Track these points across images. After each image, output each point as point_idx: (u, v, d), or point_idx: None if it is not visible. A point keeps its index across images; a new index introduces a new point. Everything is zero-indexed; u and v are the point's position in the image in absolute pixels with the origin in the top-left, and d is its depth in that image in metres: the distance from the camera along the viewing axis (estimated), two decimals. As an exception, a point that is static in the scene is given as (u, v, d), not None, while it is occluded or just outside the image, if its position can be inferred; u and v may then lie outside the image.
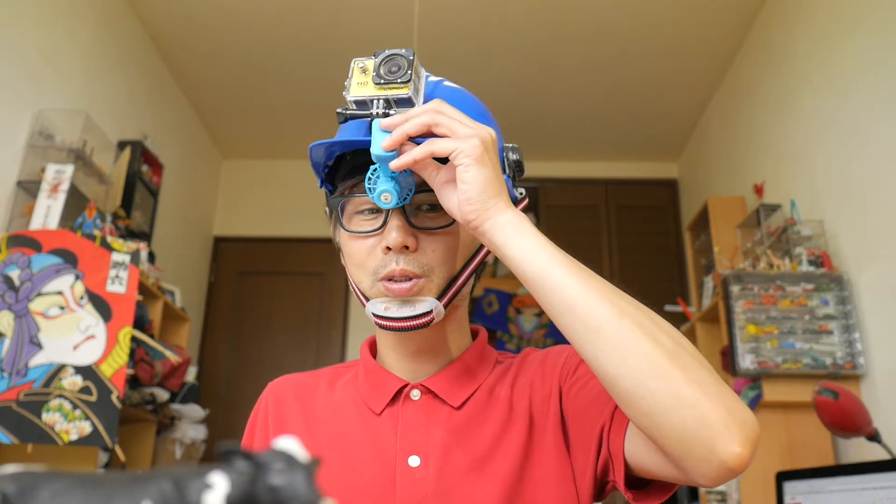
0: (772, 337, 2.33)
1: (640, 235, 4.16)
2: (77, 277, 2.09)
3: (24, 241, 2.10)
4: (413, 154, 0.63)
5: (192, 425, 2.87)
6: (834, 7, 2.50)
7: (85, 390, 1.98)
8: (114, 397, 1.99)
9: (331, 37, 3.29)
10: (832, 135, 2.48)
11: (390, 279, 0.70)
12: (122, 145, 2.94)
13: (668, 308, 3.27)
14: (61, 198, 2.27)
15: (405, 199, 0.68)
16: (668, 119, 3.96)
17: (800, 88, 2.73)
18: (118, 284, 2.13)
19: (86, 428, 1.95)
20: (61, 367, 1.99)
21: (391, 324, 0.71)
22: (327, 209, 0.80)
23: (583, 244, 4.03)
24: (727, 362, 2.47)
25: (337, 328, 4.17)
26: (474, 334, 0.84)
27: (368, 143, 0.66)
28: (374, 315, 0.71)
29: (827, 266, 2.37)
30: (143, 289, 2.46)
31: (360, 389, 0.79)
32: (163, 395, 2.59)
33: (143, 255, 2.49)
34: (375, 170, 0.67)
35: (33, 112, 2.42)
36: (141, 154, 3.02)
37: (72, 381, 1.98)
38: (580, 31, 3.24)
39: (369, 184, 0.67)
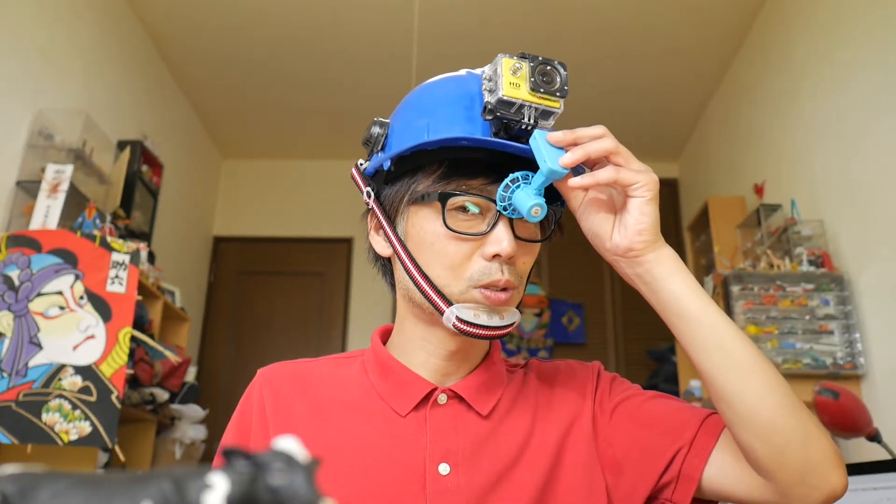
0: (772, 337, 2.33)
1: (640, 235, 4.15)
2: (77, 277, 2.09)
3: (24, 241, 2.10)
4: (597, 177, 0.64)
5: (191, 425, 2.87)
6: (834, 7, 2.50)
7: (85, 390, 1.98)
8: (113, 397, 1.99)
9: (331, 37, 3.29)
10: (832, 135, 2.48)
11: (487, 287, 0.68)
12: (121, 145, 2.94)
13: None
14: (61, 198, 2.27)
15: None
16: (669, 119, 3.96)
17: (800, 88, 2.73)
18: (118, 284, 2.13)
19: (85, 428, 1.95)
20: (61, 367, 1.99)
21: (476, 331, 0.68)
22: (367, 193, 0.76)
23: (583, 245, 4.03)
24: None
25: (337, 328, 4.17)
26: None
27: (526, 150, 0.66)
28: (460, 320, 0.68)
29: (827, 266, 2.37)
30: (142, 289, 2.46)
31: (376, 387, 0.75)
32: (163, 395, 2.59)
33: (143, 255, 2.49)
34: (517, 180, 0.66)
35: (33, 112, 2.42)
36: (141, 154, 3.02)
37: (71, 381, 1.98)
38: (580, 31, 3.24)
39: (506, 192, 0.66)
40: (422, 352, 0.75)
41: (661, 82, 3.61)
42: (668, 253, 0.67)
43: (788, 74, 2.84)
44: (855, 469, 1.34)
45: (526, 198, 0.65)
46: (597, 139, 0.65)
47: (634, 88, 3.67)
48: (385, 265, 0.79)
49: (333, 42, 3.33)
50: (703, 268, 3.38)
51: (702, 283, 3.18)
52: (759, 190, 2.99)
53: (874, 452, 1.72)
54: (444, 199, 0.68)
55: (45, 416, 1.93)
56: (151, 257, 2.87)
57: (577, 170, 0.67)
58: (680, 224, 4.19)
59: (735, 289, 2.43)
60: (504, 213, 0.67)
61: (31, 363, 1.97)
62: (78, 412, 1.95)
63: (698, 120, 3.94)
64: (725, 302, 2.45)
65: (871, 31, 2.25)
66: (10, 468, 0.23)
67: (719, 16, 3.10)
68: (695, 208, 3.75)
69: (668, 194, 4.33)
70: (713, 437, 0.69)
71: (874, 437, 1.56)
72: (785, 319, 2.35)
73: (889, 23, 2.16)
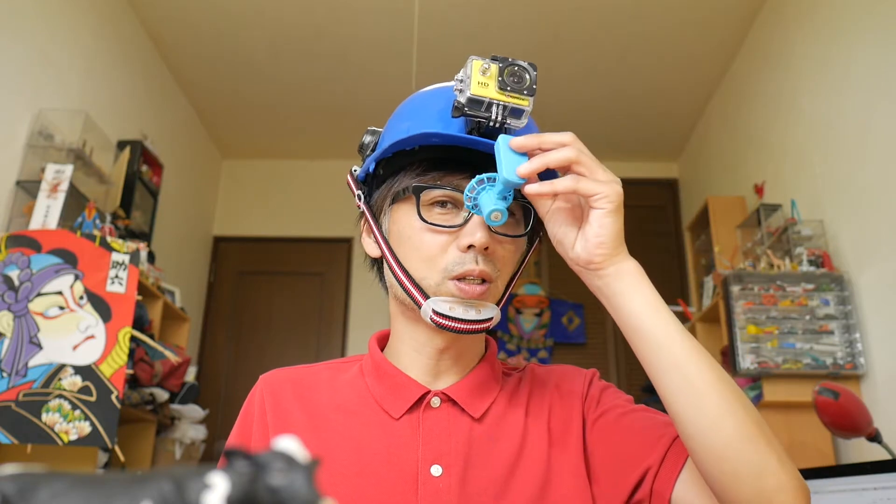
0: (772, 337, 2.33)
1: (640, 235, 4.15)
2: (77, 277, 2.09)
3: (24, 241, 2.10)
4: (556, 186, 0.63)
5: (191, 425, 2.87)
6: (834, 7, 2.50)
7: (84, 390, 1.98)
8: (113, 397, 1.99)
9: (331, 37, 3.29)
10: (832, 135, 2.48)
11: (463, 279, 0.69)
12: (121, 145, 2.94)
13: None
14: (61, 198, 2.27)
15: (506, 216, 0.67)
16: (669, 119, 3.96)
17: (800, 88, 2.73)
18: (118, 284, 2.13)
19: (85, 428, 1.95)
20: (61, 367, 1.99)
21: (452, 324, 0.69)
22: (358, 196, 0.78)
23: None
24: (727, 363, 2.47)
25: (337, 328, 4.17)
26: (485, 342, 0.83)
27: (488, 145, 0.67)
28: (436, 313, 0.69)
29: (827, 266, 2.37)
30: (142, 289, 2.45)
31: (372, 390, 0.76)
32: (162, 395, 2.58)
33: (143, 255, 2.49)
34: (482, 182, 0.66)
35: (33, 112, 2.42)
36: (141, 154, 3.02)
37: (71, 381, 1.98)
38: (580, 33, 3.24)
39: (471, 193, 0.67)
40: (412, 351, 0.76)
41: (662, 83, 3.61)
42: (629, 267, 0.64)
43: (788, 74, 2.84)
44: (855, 469, 1.34)
45: (488, 201, 0.65)
46: (561, 147, 0.64)
47: (635, 89, 3.67)
48: (379, 267, 0.82)
49: (333, 43, 3.33)
50: (703, 268, 3.38)
51: (702, 283, 3.18)
52: (759, 190, 2.99)
53: (874, 452, 1.73)
54: (418, 192, 0.71)
55: (44, 416, 1.93)
56: (151, 257, 2.87)
57: (550, 173, 0.67)
58: (680, 224, 4.19)
59: (735, 289, 2.42)
60: (472, 210, 0.68)
61: (31, 363, 1.97)
62: (78, 412, 1.95)
63: (698, 120, 3.94)
64: (725, 302, 2.45)
65: (871, 31, 2.25)
66: (10, 468, 0.23)
67: (719, 17, 3.10)
68: (695, 208, 3.75)
69: (669, 194, 4.33)
70: (682, 456, 0.68)
71: (874, 437, 1.56)
72: (785, 319, 2.35)
73: (889, 23, 2.16)
